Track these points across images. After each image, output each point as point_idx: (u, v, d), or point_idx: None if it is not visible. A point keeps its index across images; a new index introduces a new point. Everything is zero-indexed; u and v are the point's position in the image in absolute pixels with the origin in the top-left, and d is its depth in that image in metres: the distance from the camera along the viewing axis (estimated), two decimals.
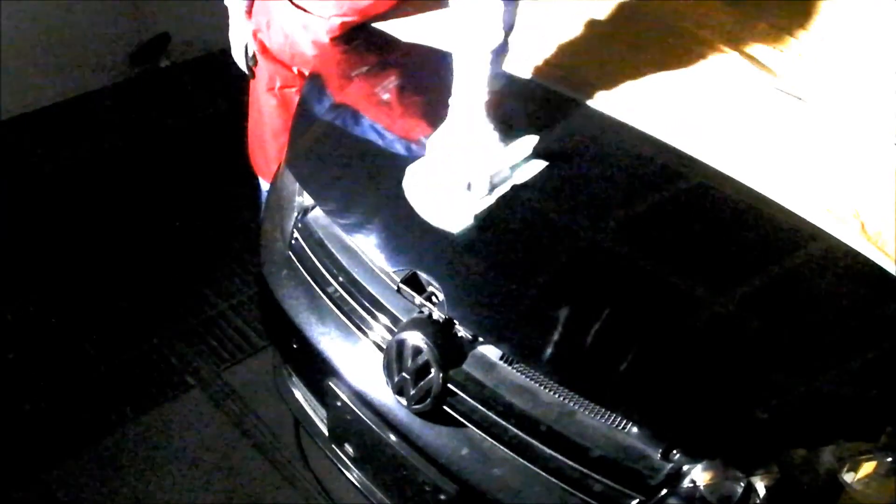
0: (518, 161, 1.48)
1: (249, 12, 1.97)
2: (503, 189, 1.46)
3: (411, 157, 1.60)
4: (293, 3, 1.84)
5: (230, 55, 2.09)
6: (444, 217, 1.45)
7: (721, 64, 1.72)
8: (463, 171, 1.44)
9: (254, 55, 2.01)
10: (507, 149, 1.48)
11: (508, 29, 1.44)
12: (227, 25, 2.06)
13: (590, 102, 1.62)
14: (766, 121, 1.61)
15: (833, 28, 1.82)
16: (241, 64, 2.05)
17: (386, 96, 1.72)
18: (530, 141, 1.50)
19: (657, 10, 1.89)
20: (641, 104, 1.61)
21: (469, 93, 1.45)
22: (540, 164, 1.49)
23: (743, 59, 1.73)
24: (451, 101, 1.48)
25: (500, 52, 1.45)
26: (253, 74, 2.06)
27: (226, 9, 2.04)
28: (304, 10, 1.84)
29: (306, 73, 1.92)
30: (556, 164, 1.56)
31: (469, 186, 1.44)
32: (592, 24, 1.84)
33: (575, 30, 1.81)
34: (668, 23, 1.84)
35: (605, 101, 1.62)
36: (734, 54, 1.74)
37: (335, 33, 1.84)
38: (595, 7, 1.88)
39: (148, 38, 3.19)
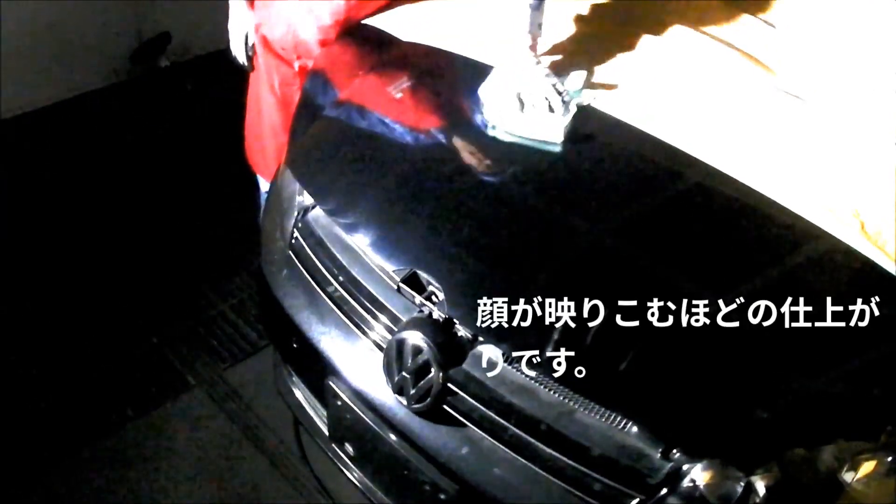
0: (578, 87, 1.64)
1: (252, 2, 1.96)
2: (573, 109, 1.58)
3: (413, 156, 1.60)
4: None
5: (230, 55, 2.08)
6: (537, 132, 1.56)
7: (721, 63, 1.72)
8: (544, 91, 1.58)
9: (253, 45, 2.00)
10: (568, 77, 1.65)
11: None
12: (228, 26, 2.05)
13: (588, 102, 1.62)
14: (766, 120, 1.61)
15: (833, 28, 1.81)
16: (241, 55, 2.04)
17: (387, 96, 1.72)
18: (582, 74, 1.67)
19: (656, 10, 1.89)
20: (641, 104, 1.61)
21: (531, 26, 1.62)
22: (590, 95, 1.63)
23: (743, 59, 1.73)
24: (519, 32, 1.62)
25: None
26: (252, 66, 2.05)
27: (226, 7, 2.03)
28: None
29: (308, 66, 1.91)
30: (555, 163, 1.56)
31: (551, 107, 1.57)
32: (590, 24, 1.84)
33: (571, 30, 1.81)
34: (668, 22, 1.84)
35: (604, 101, 1.62)
36: (734, 53, 1.74)
37: (340, 16, 1.83)
38: (594, 7, 1.88)
39: (148, 37, 3.19)
